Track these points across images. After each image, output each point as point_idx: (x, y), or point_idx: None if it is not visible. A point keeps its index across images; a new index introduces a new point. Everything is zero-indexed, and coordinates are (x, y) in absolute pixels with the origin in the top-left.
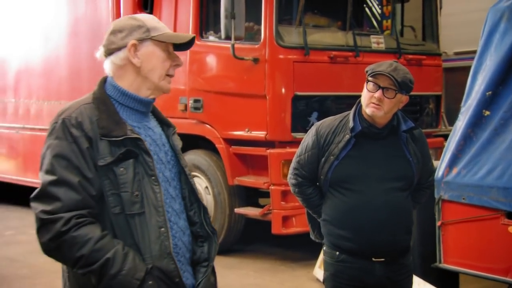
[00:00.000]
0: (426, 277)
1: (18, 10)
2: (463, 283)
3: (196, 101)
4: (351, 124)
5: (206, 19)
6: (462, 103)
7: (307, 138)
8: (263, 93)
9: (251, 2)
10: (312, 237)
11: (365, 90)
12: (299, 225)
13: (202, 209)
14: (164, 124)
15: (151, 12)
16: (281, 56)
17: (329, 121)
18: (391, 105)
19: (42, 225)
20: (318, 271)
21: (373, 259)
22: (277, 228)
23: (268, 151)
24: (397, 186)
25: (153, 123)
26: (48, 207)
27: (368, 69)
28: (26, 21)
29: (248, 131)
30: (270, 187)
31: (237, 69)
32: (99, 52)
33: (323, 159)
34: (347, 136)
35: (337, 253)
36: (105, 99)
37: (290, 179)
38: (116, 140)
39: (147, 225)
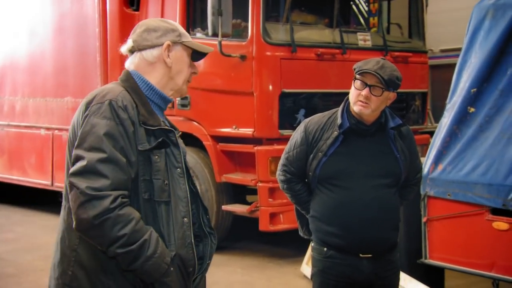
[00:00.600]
0: (412, 273)
1: (2, 5)
2: (449, 278)
3: (183, 98)
4: (339, 121)
5: (193, 16)
6: (448, 100)
7: (296, 135)
8: (250, 90)
9: (237, 2)
10: (301, 233)
11: (352, 87)
12: (286, 222)
13: (201, 210)
14: (171, 126)
15: (137, 9)
16: (268, 53)
17: (318, 118)
18: (378, 102)
19: (87, 201)
20: (306, 268)
21: (361, 255)
22: (264, 225)
23: (256, 148)
24: (384, 183)
25: (166, 122)
26: (95, 184)
27: (356, 66)
28: (10, 17)
29: (235, 128)
30: (257, 184)
31: (224, 66)
32: (125, 47)
33: (311, 155)
34: (335, 133)
35: (325, 249)
36: (137, 89)
37: (279, 175)
38: (151, 129)
39: (172, 214)
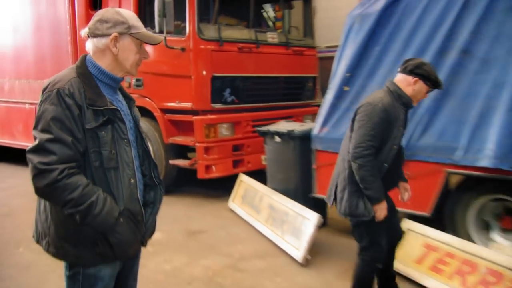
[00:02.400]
0: (305, 203)
1: None
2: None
3: (137, 80)
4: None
5: (144, 17)
6: (330, 82)
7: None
8: (189, 74)
9: (178, 4)
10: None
11: (421, 88)
12: (217, 172)
13: (152, 165)
14: (127, 97)
15: None
16: (202, 47)
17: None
18: None
19: (39, 173)
20: (231, 204)
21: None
22: (201, 174)
23: (194, 117)
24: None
25: (120, 97)
26: (45, 159)
27: (433, 79)
28: None
29: (178, 102)
30: (195, 144)
31: (169, 56)
32: (84, 32)
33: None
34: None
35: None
36: (88, 74)
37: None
38: (99, 109)
39: (120, 177)
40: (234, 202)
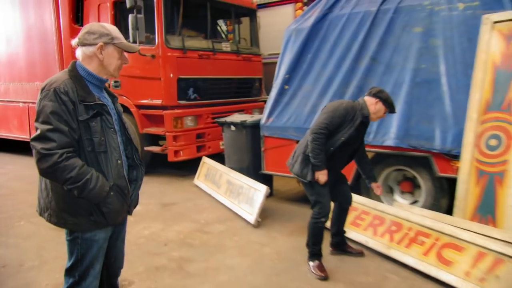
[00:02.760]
0: (256, 179)
1: None
2: (276, 179)
3: (115, 81)
4: (365, 114)
5: (120, 30)
6: (274, 81)
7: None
8: (159, 76)
9: (148, 20)
10: (310, 178)
11: (378, 108)
12: (184, 155)
13: (134, 149)
14: (111, 95)
15: (82, 25)
16: (169, 54)
17: (351, 108)
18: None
19: (42, 157)
20: (196, 181)
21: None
22: (171, 158)
23: (164, 112)
24: (353, 149)
25: (105, 94)
26: (46, 146)
27: (390, 104)
28: None
29: (150, 100)
30: (166, 133)
31: (141, 62)
32: (74, 42)
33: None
34: (359, 120)
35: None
36: (79, 76)
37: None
38: (89, 104)
39: (109, 159)
40: (199, 179)
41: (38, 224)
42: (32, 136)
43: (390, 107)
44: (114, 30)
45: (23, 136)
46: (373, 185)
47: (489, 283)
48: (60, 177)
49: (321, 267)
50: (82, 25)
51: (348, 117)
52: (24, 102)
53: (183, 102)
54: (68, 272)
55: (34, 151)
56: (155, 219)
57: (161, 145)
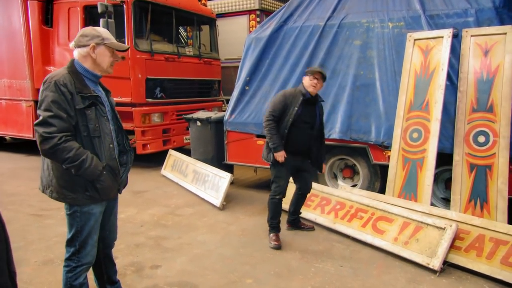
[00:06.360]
0: (220, 168)
1: None
2: (236, 169)
3: None
4: (304, 93)
5: None
6: (236, 82)
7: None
8: (129, 76)
9: (118, 25)
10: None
11: (308, 79)
12: (152, 149)
13: (124, 137)
14: (104, 89)
15: (51, 27)
16: (138, 56)
17: (290, 91)
18: (320, 87)
19: (44, 139)
20: (164, 171)
21: (298, 156)
22: (139, 151)
23: (133, 109)
24: (309, 127)
25: (100, 88)
26: (48, 130)
27: (309, 70)
28: None
29: (120, 97)
30: (134, 128)
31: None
32: (71, 44)
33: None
34: (301, 98)
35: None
36: (77, 72)
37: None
38: (85, 95)
39: (102, 143)
40: (166, 170)
41: (16, 211)
42: (35, 122)
43: (311, 73)
44: (104, 32)
45: None
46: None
47: (411, 245)
48: (60, 156)
49: (276, 238)
50: (52, 27)
51: (288, 101)
52: None
53: (150, 100)
54: (69, 242)
55: (37, 134)
56: (129, 204)
57: (130, 139)
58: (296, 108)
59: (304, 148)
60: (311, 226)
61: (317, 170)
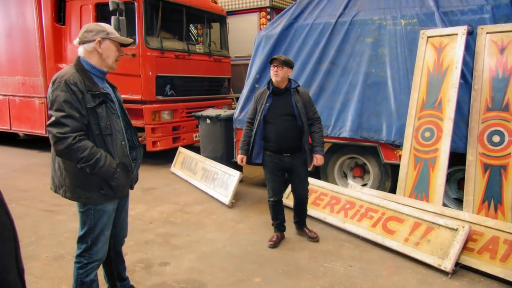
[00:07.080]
0: (228, 166)
1: None
2: (245, 167)
3: None
4: (270, 88)
5: None
6: (246, 80)
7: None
8: (139, 74)
9: (130, 22)
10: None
11: (270, 70)
12: (161, 146)
13: (133, 133)
14: (111, 86)
15: (64, 24)
16: (148, 53)
17: (259, 91)
18: (282, 73)
19: (58, 140)
20: (173, 168)
21: (284, 154)
22: (149, 148)
23: (143, 106)
24: (289, 119)
25: (107, 85)
26: (61, 130)
27: (270, 60)
28: None
29: (130, 95)
30: (144, 125)
31: (122, 60)
32: (76, 41)
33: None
34: (268, 92)
35: (268, 152)
36: (84, 70)
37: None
38: (95, 93)
39: (115, 140)
40: (175, 167)
41: (28, 206)
42: (48, 122)
43: (270, 63)
44: (108, 27)
45: (4, 127)
46: (315, 155)
47: (423, 246)
48: (75, 156)
49: (273, 237)
50: (64, 24)
51: (257, 99)
52: (4, 95)
53: (160, 97)
54: (81, 239)
55: (50, 135)
56: (138, 201)
57: (140, 136)
58: (264, 104)
59: (287, 142)
60: (314, 236)
61: (307, 163)
